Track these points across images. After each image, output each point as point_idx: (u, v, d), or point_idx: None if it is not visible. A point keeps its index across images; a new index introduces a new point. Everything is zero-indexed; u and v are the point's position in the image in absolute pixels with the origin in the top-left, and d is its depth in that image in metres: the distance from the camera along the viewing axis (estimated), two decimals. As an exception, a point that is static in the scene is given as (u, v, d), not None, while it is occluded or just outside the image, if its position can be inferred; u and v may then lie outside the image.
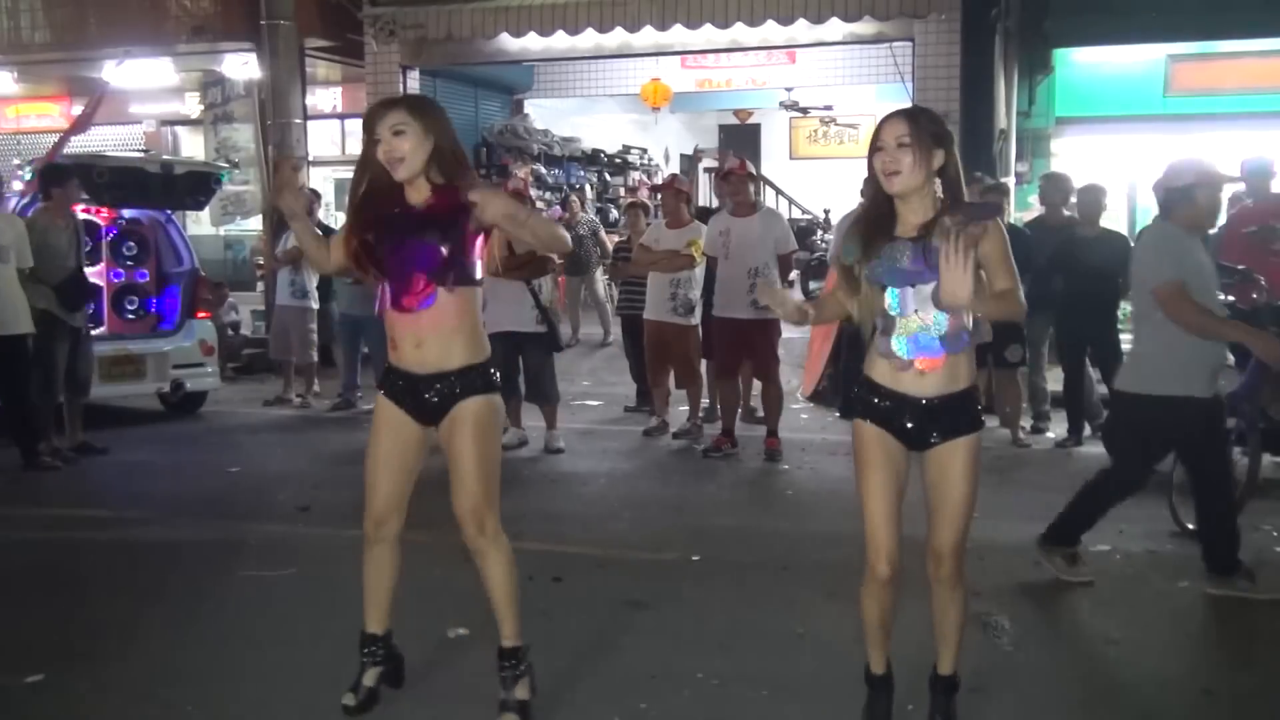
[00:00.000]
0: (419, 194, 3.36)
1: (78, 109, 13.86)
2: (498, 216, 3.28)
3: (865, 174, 3.23)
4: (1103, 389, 8.07)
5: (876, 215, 3.17)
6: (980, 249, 3.03)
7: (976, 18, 11.07)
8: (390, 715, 3.69)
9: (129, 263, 9.79)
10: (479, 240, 3.38)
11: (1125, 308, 8.50)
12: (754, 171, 8.53)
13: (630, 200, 12.07)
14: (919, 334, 3.13)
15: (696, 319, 8.20)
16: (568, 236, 3.50)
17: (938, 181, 3.12)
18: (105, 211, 9.46)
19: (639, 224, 9.48)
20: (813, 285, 15.63)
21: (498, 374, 3.50)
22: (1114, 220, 9.94)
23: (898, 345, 3.15)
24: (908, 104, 11.85)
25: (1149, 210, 8.29)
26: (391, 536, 3.55)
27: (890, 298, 3.14)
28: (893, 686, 3.41)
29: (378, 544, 3.55)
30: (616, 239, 12.20)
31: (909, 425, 3.19)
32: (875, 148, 3.09)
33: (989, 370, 7.86)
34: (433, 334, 3.36)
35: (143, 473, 7.76)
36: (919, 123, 3.07)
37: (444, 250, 3.30)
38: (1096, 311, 7.93)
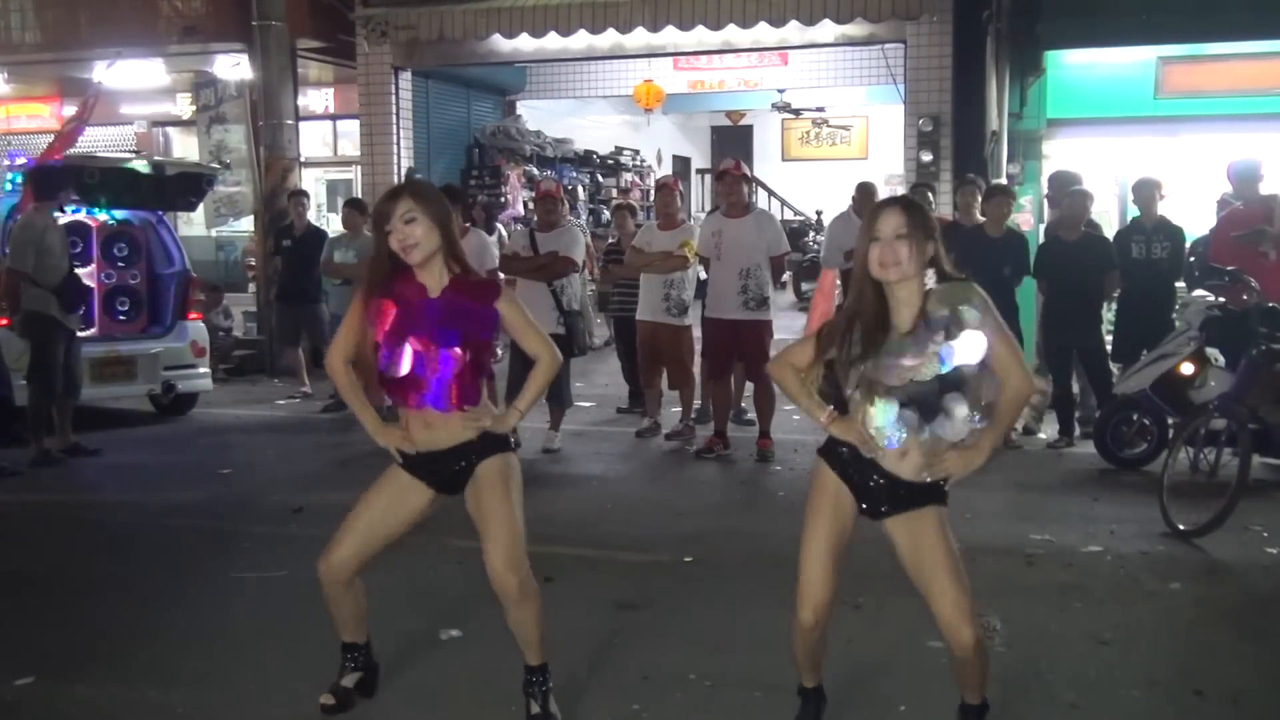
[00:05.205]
0: (435, 280, 3.37)
1: (69, 110, 13.81)
2: (509, 326, 3.42)
3: (854, 260, 3.14)
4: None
5: (873, 311, 3.08)
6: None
7: (968, 19, 11.10)
8: (384, 716, 3.70)
9: (120, 264, 9.75)
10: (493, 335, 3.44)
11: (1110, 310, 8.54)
12: (748, 173, 8.53)
13: (618, 202, 12.05)
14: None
15: (690, 320, 8.20)
16: (556, 352, 3.51)
17: (930, 272, 3.07)
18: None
19: (627, 226, 9.48)
20: (805, 287, 15.67)
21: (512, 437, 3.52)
22: (1106, 222, 9.97)
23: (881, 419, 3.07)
24: (899, 108, 11.94)
25: (1137, 213, 8.35)
26: (344, 580, 3.51)
27: (884, 407, 3.06)
28: (824, 698, 3.43)
29: (330, 585, 3.51)
30: (607, 241, 12.18)
31: (870, 485, 3.15)
32: (871, 238, 3.05)
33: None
34: (442, 417, 3.37)
35: (134, 474, 7.74)
36: (914, 216, 3.07)
37: (467, 355, 3.32)
38: (1081, 314, 7.93)
